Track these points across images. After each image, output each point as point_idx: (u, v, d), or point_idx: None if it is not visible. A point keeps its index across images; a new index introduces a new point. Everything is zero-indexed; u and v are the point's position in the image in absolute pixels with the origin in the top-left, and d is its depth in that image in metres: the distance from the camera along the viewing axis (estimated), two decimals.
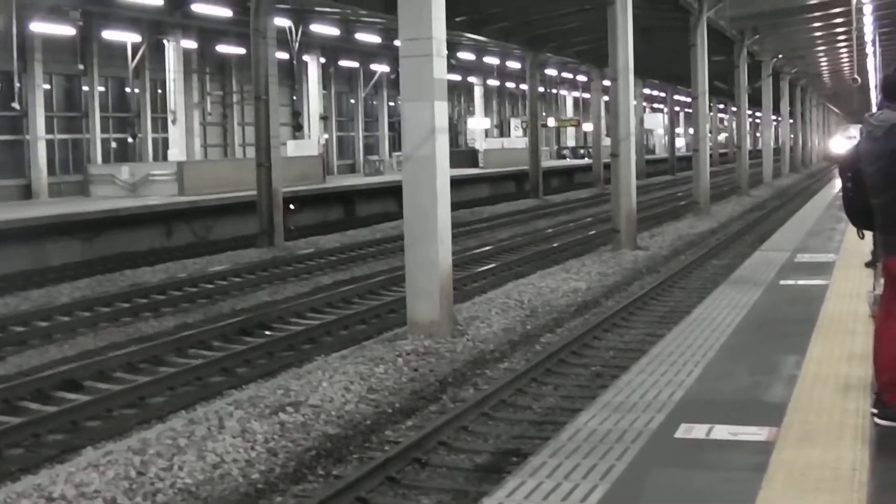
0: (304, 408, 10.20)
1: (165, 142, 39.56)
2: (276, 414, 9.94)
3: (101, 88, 37.68)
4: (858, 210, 6.50)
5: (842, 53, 56.20)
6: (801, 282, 12.60)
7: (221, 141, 44.84)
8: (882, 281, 6.57)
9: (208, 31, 40.02)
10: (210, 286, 20.05)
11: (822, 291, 11.57)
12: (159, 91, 39.35)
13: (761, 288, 12.26)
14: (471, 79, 64.40)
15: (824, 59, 61.17)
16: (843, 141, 60.02)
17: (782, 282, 12.75)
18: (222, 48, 41.52)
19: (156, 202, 28.77)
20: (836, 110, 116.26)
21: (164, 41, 37.87)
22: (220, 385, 12.64)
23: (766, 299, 11.46)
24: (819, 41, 51.11)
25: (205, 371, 13.01)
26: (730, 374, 7.88)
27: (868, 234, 7.07)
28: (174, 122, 38.54)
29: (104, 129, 37.74)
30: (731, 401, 7.12)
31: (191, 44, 39.98)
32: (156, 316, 17.43)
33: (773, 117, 64.74)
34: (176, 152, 38.14)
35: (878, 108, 6.39)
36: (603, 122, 53.37)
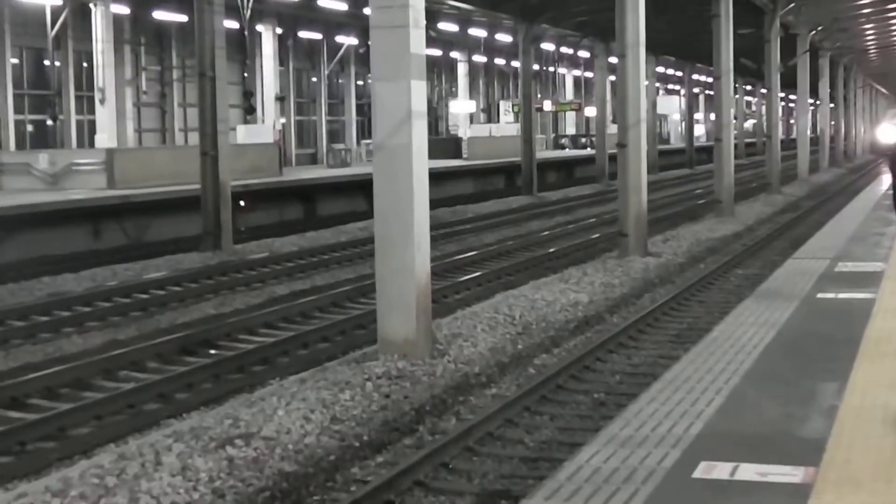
0: (255, 441, 10.17)
1: (92, 125, 39.46)
2: (222, 448, 9.90)
3: (15, 61, 37.61)
4: None
5: (893, 26, 56.43)
6: (842, 295, 12.66)
7: (159, 125, 44.82)
8: None
9: None
10: (145, 296, 19.98)
11: (868, 306, 11.62)
12: (85, 65, 39.32)
13: (795, 302, 12.31)
14: (454, 54, 64.56)
15: (872, 31, 61.38)
16: (893, 129, 60.32)
17: (820, 295, 12.80)
18: (160, 14, 41.52)
19: (80, 196, 28.67)
20: (887, 93, 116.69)
21: (91, 5, 37.78)
22: (157, 414, 12.59)
23: (801, 316, 11.50)
24: (866, 10, 51.30)
25: (138, 397, 12.95)
26: (757, 405, 7.91)
27: None
28: (103, 101, 38.43)
29: (18, 110, 37.67)
30: (759, 435, 7.14)
31: (122, 8, 39.95)
32: (80, 332, 17.35)
33: (811, 101, 64.97)
34: (104, 138, 38.03)
35: None
36: (609, 106, 53.55)
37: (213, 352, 15.55)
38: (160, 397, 13.13)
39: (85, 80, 39.54)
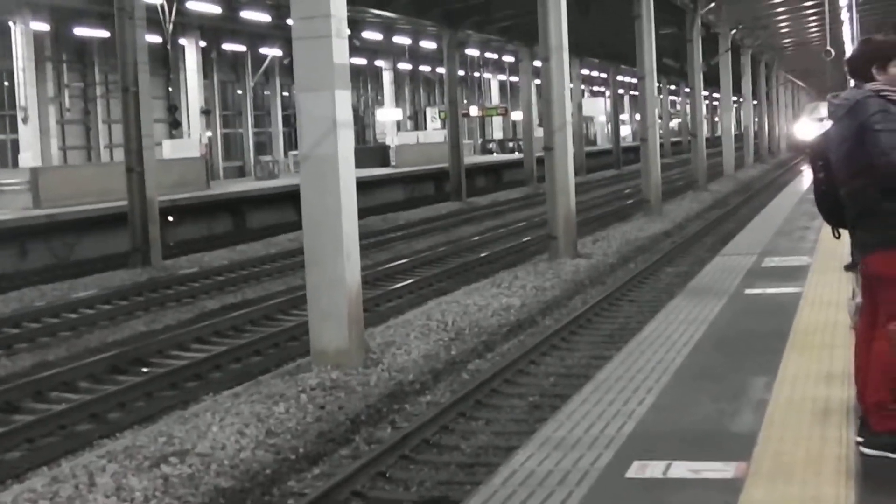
0: (190, 457, 10.11)
1: (15, 144, 39.09)
2: (157, 466, 9.84)
3: None
4: (832, 205, 6.58)
5: (812, 22, 57.07)
6: (769, 290, 12.77)
7: (84, 142, 44.40)
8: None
9: (63, 11, 39.64)
10: (74, 316, 19.78)
11: (795, 300, 11.74)
12: (6, 83, 38.85)
13: (723, 298, 12.42)
14: (378, 62, 64.54)
15: (792, 29, 62.08)
16: (811, 124, 60.37)
17: (748, 290, 12.91)
18: (81, 30, 41.15)
19: (5, 217, 28.35)
20: (808, 89, 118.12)
21: (10, 23, 37.37)
22: (90, 434, 12.48)
23: (730, 311, 11.61)
24: (785, 8, 51.87)
25: (70, 418, 12.83)
26: (689, 402, 7.96)
27: (845, 233, 7.15)
28: (25, 120, 38.06)
29: None
30: (691, 432, 7.18)
31: (42, 26, 39.52)
32: (8, 354, 17.14)
33: (734, 99, 65.61)
34: (28, 157, 37.65)
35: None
36: (535, 109, 53.72)
37: (145, 370, 15.44)
38: (92, 417, 13.01)
39: (6, 99, 39.11)
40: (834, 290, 12.04)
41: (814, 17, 54.46)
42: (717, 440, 6.93)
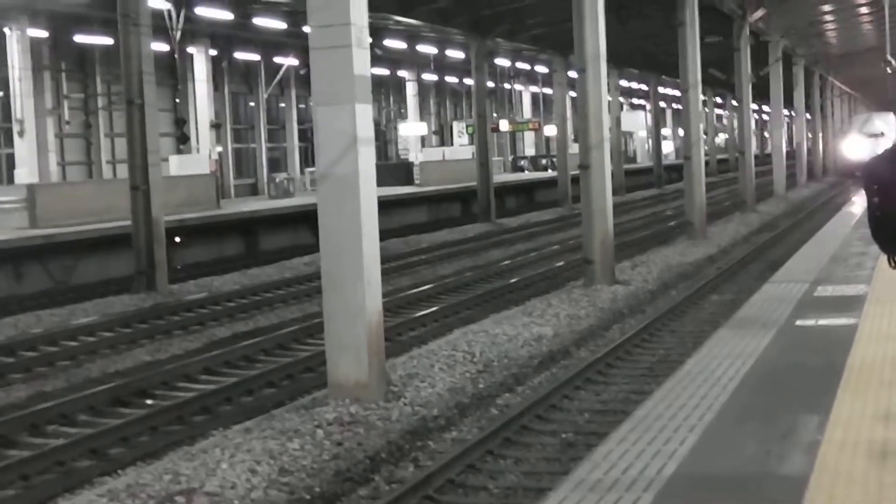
0: (198, 497, 10.16)
1: (11, 159, 39.32)
2: None
3: None
4: (889, 232, 6.56)
5: (870, 29, 56.86)
6: (822, 321, 12.76)
7: (84, 157, 44.62)
8: None
9: (63, 16, 39.89)
10: (73, 344, 19.84)
11: (850, 333, 11.72)
12: (0, 94, 39.08)
13: (772, 330, 12.40)
14: (402, 73, 64.70)
15: (848, 36, 61.82)
16: (862, 141, 59.12)
17: (799, 322, 12.90)
18: (82, 38, 41.36)
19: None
20: (867, 101, 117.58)
21: (5, 29, 37.62)
22: (89, 471, 12.51)
23: (779, 345, 11.59)
24: (839, 13, 51.69)
25: (69, 454, 12.88)
26: (734, 443, 7.96)
27: None
28: (21, 133, 38.32)
29: None
30: (735, 476, 7.19)
31: (40, 32, 39.77)
32: (3, 384, 17.22)
33: (786, 113, 65.33)
34: (25, 173, 37.88)
35: None
36: (570, 124, 53.75)
37: (149, 402, 15.48)
38: (92, 453, 13.04)
39: (1, 111, 39.36)
40: (893, 323, 12.02)
41: (871, 23, 54.25)
42: (765, 484, 6.92)
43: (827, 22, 55.12)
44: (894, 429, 7.85)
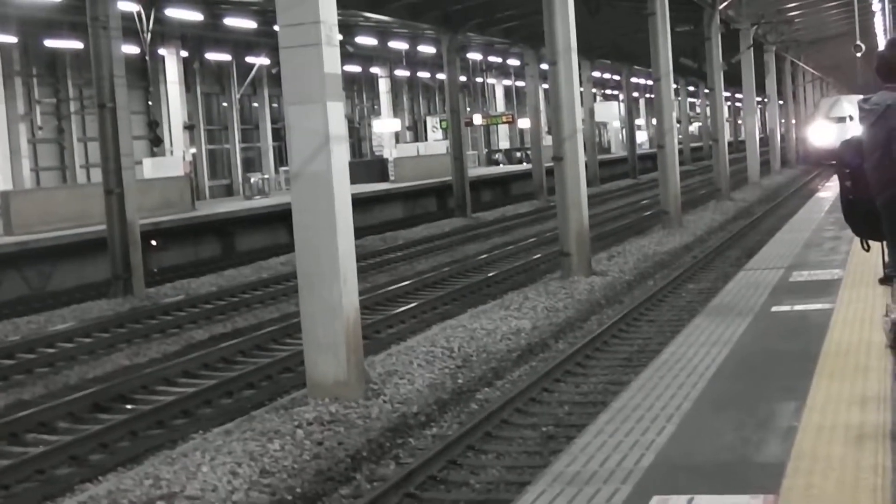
0: (179, 501, 10.16)
1: None
2: None
3: None
4: (862, 215, 6.58)
5: (839, 14, 57.02)
6: (798, 307, 12.78)
7: (58, 162, 44.44)
8: None
9: (33, 21, 39.72)
10: (51, 351, 19.82)
11: (826, 318, 11.74)
12: None
13: (748, 317, 12.43)
14: (374, 69, 64.58)
15: (818, 22, 61.99)
16: (829, 126, 58.74)
17: (775, 308, 12.93)
18: (52, 42, 41.21)
19: None
20: (838, 86, 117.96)
21: None
22: (70, 478, 12.51)
23: (755, 331, 11.62)
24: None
25: (48, 461, 12.86)
26: (712, 430, 7.97)
27: (876, 245, 7.14)
28: None
29: None
30: (714, 464, 7.20)
31: (9, 37, 39.61)
32: None
33: (758, 99, 65.44)
34: None
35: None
36: (543, 116, 53.79)
37: (128, 407, 15.48)
38: (73, 460, 13.04)
39: None
40: (868, 306, 12.04)
41: (841, 9, 54.38)
42: (743, 472, 6.93)
43: (796, 9, 55.21)
44: (870, 412, 7.87)
